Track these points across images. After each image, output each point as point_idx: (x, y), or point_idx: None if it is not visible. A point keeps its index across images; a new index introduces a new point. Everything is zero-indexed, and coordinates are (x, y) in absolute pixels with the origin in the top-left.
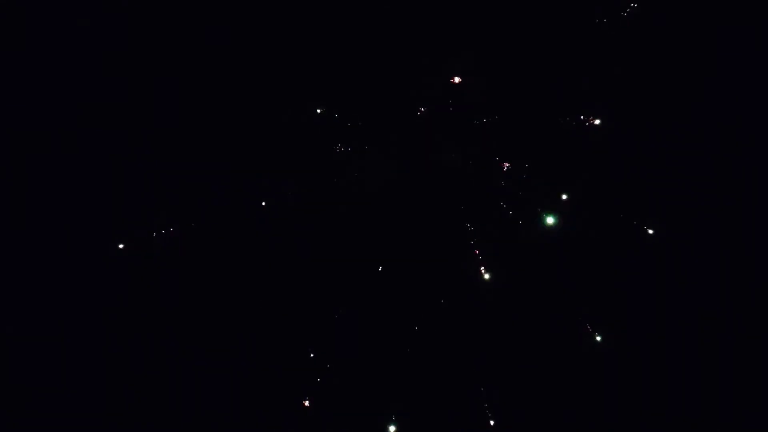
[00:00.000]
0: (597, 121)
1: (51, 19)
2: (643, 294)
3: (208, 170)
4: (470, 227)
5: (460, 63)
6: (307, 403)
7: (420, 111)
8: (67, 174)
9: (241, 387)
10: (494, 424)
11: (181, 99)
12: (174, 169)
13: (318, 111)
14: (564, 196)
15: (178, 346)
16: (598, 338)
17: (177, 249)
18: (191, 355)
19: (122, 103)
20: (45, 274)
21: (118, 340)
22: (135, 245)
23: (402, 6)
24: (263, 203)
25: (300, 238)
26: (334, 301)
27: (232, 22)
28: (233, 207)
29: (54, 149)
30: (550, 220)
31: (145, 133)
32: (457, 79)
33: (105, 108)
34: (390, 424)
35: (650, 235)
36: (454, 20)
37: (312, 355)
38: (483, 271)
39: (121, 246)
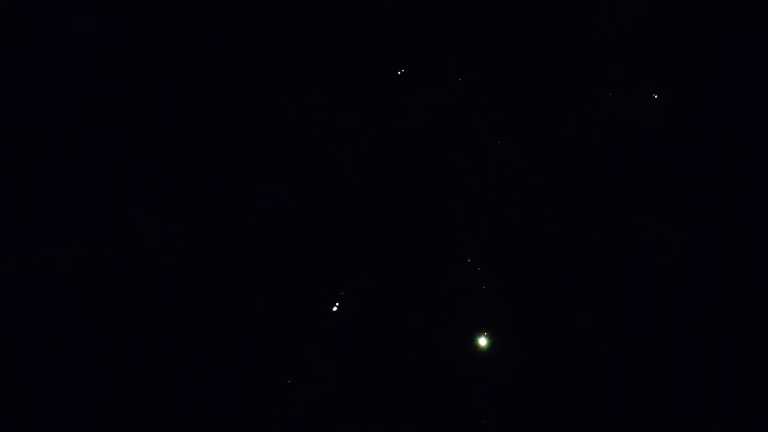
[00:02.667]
0: (598, 121)
1: (51, 19)
2: (643, 294)
3: (208, 170)
4: (470, 227)
5: (461, 62)
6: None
7: (419, 110)
8: (67, 174)
9: (241, 387)
10: (493, 425)
11: (181, 99)
12: (174, 169)
13: (318, 111)
14: (563, 196)
15: (178, 346)
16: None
17: (177, 249)
18: (191, 355)
19: (122, 103)
20: (45, 274)
21: (118, 340)
22: (135, 245)
23: (402, 6)
24: (263, 203)
25: (300, 238)
26: (334, 301)
27: (232, 22)
28: (233, 207)
29: (54, 149)
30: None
31: (145, 133)
32: (457, 78)
33: (105, 108)
34: (389, 425)
35: (651, 235)
36: (454, 20)
37: (311, 356)
38: (482, 271)
39: (119, 246)
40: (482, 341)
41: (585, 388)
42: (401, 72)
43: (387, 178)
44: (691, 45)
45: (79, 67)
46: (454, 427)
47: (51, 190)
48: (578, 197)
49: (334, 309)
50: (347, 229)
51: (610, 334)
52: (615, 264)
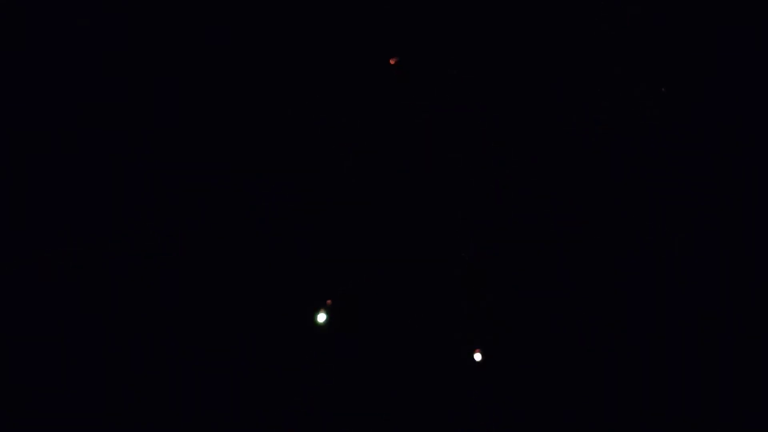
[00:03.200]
0: (598, 121)
1: (51, 19)
2: (643, 294)
3: (208, 170)
4: (470, 227)
5: (461, 62)
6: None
7: (419, 110)
8: (67, 174)
9: (240, 387)
10: (492, 425)
11: (181, 99)
12: (174, 169)
13: (318, 111)
14: (563, 196)
15: (178, 346)
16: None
17: (177, 249)
18: (191, 355)
19: (122, 103)
20: (45, 274)
21: (118, 340)
22: (135, 245)
23: (402, 5)
24: (263, 203)
25: (300, 238)
26: (333, 300)
27: (232, 22)
28: (233, 207)
29: (54, 149)
30: None
31: (145, 133)
32: (457, 78)
33: (105, 108)
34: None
35: (651, 235)
36: (454, 19)
37: (311, 355)
38: (482, 271)
39: (119, 246)
40: (481, 341)
41: (585, 389)
42: (401, 72)
43: (387, 178)
44: (691, 45)
45: (79, 67)
46: (454, 427)
47: (51, 190)
48: (578, 197)
49: (334, 309)
50: (347, 229)
51: (610, 334)
52: (615, 264)
